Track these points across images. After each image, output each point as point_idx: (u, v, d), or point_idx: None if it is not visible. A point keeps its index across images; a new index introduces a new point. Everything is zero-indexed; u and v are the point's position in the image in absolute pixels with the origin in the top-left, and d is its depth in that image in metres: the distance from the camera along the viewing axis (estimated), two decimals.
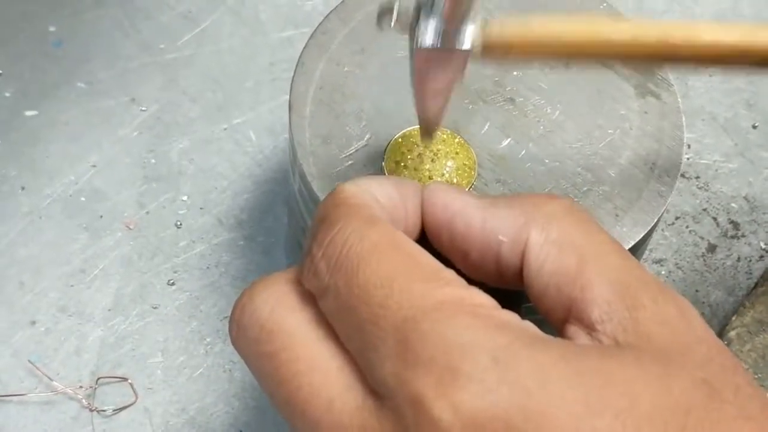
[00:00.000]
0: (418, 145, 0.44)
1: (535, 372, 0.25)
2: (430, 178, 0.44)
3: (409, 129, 0.45)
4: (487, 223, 0.30)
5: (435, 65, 0.36)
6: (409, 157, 0.44)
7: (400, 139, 0.45)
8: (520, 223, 0.30)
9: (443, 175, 0.44)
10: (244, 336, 0.29)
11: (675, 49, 0.36)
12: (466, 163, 0.44)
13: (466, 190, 0.38)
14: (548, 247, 0.29)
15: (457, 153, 0.45)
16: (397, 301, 0.26)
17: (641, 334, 0.27)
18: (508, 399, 0.24)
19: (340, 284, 0.28)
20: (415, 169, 0.44)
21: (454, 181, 0.44)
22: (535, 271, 0.29)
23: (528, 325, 0.27)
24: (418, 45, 0.35)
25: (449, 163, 0.44)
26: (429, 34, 0.35)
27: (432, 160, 0.44)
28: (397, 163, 0.44)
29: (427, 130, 0.41)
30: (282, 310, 0.29)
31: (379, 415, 0.26)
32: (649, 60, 0.38)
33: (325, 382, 0.27)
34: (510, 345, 0.25)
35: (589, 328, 0.28)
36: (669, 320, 0.27)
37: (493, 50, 0.36)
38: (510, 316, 0.27)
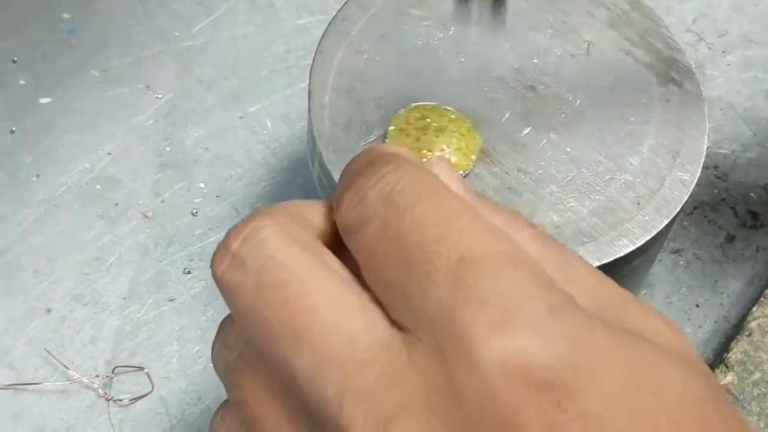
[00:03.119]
0: (425, 118, 0.44)
1: (588, 333, 0.25)
2: (429, 150, 0.43)
3: (421, 102, 0.45)
4: None
5: None
6: (414, 126, 0.44)
7: (409, 109, 0.44)
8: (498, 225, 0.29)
9: (442, 150, 0.43)
10: (240, 267, 0.27)
11: None
12: (469, 147, 0.44)
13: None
14: None
15: (462, 135, 0.44)
16: (455, 241, 0.25)
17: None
18: (562, 351, 0.24)
19: (390, 215, 0.26)
20: (417, 139, 0.43)
21: (453, 160, 0.43)
22: None
23: (571, 293, 0.27)
24: None
25: (453, 140, 0.44)
26: None
27: (436, 135, 0.44)
28: (401, 130, 0.44)
29: None
30: (294, 243, 0.27)
31: (411, 352, 0.25)
32: None
33: (344, 318, 0.26)
34: (565, 303, 0.25)
35: None
36: (659, 332, 0.27)
37: None
38: (556, 281, 0.27)
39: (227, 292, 0.28)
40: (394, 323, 0.26)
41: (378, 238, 0.27)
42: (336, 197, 0.29)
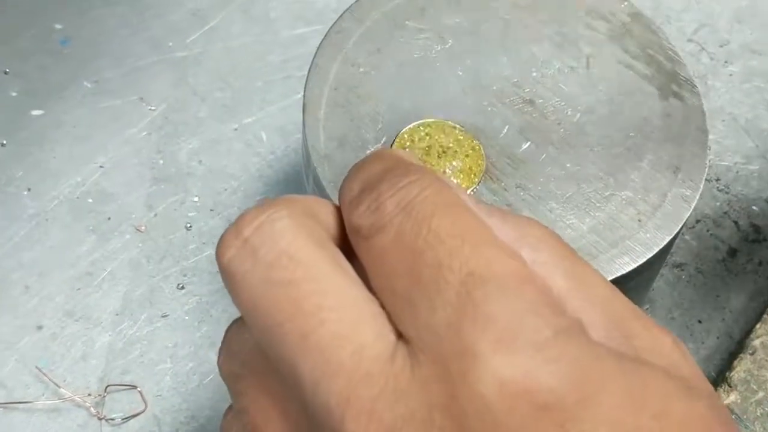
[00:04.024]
0: (430, 137, 0.43)
1: (592, 357, 0.24)
2: None
3: (426, 120, 0.44)
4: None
5: None
6: (418, 146, 0.43)
7: (412, 128, 0.44)
8: (511, 237, 0.29)
9: (444, 172, 0.43)
10: (251, 256, 0.26)
11: None
12: (473, 167, 0.43)
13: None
14: (538, 267, 0.28)
15: (467, 155, 0.43)
16: (467, 255, 0.25)
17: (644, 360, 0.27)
18: (565, 374, 0.24)
19: (407, 224, 0.26)
20: (420, 160, 0.43)
21: (455, 181, 0.43)
22: None
23: (578, 318, 0.26)
24: None
25: (455, 163, 0.43)
26: None
27: (439, 156, 0.43)
28: (404, 150, 0.43)
29: None
30: (309, 239, 0.26)
31: (414, 366, 0.24)
32: None
33: (356, 323, 0.25)
34: (571, 327, 0.25)
35: None
36: (665, 352, 0.27)
37: None
38: (563, 306, 0.26)
39: (233, 280, 0.27)
40: (399, 334, 0.25)
41: (392, 247, 0.26)
42: (348, 200, 0.28)
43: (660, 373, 0.26)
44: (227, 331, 0.30)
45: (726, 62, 0.63)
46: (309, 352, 0.25)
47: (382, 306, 0.26)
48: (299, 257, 0.26)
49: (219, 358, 0.30)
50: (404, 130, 0.44)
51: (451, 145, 0.43)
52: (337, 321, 0.25)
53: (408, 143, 0.43)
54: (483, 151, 0.44)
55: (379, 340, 0.25)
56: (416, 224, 0.26)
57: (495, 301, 0.24)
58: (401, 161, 0.29)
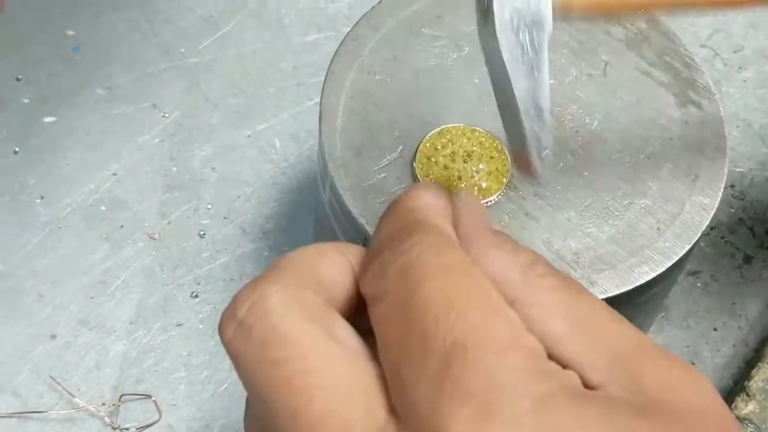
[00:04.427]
0: (452, 143, 0.43)
1: (575, 424, 0.24)
2: (459, 179, 0.42)
3: (446, 126, 0.44)
4: (487, 261, 0.29)
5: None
6: (442, 153, 0.43)
7: (435, 135, 0.43)
8: (514, 275, 0.28)
9: (472, 177, 0.42)
10: (246, 336, 0.26)
11: None
12: (499, 168, 0.43)
13: (488, 213, 0.36)
14: (537, 309, 0.27)
15: (491, 157, 0.43)
16: (452, 323, 0.25)
17: (651, 399, 0.26)
18: None
19: (401, 292, 0.26)
20: (446, 167, 0.43)
21: (484, 185, 0.42)
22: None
23: (571, 376, 0.26)
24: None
25: (481, 166, 0.43)
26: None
27: (464, 161, 0.43)
28: (429, 158, 0.43)
29: (526, 148, 0.36)
30: (300, 315, 0.27)
31: None
32: None
33: (344, 401, 0.25)
34: (553, 394, 0.24)
35: (595, 390, 0.27)
36: (675, 386, 0.26)
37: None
38: (555, 367, 0.26)
39: (233, 359, 0.27)
40: (392, 408, 0.25)
41: (389, 317, 0.26)
42: (365, 260, 0.28)
43: (660, 424, 0.25)
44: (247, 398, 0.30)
45: (740, 68, 0.63)
46: (300, 430, 0.25)
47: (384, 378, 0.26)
48: (289, 335, 0.26)
49: (245, 421, 0.30)
50: (426, 137, 0.43)
51: (475, 148, 0.43)
52: (324, 398, 0.25)
53: (432, 151, 0.43)
54: (506, 152, 0.43)
55: (368, 416, 0.25)
56: (408, 292, 0.26)
57: (474, 373, 0.24)
58: (408, 220, 0.29)
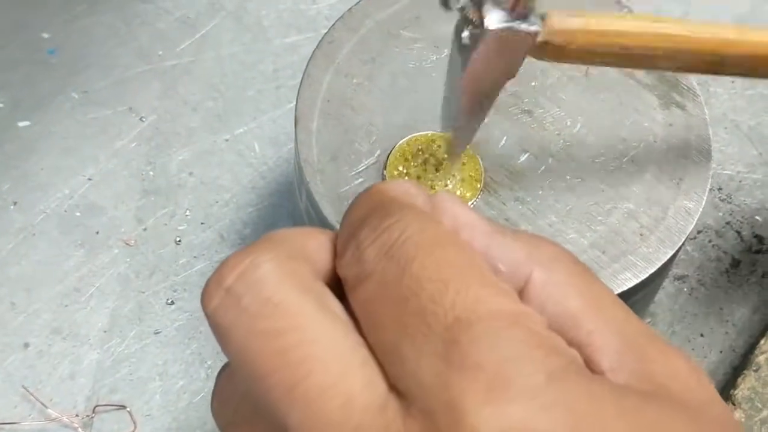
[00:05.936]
0: (423, 152, 0.42)
1: (589, 399, 0.23)
2: (433, 188, 0.41)
3: (414, 135, 0.43)
4: (489, 247, 0.28)
5: (496, 52, 0.35)
6: (413, 164, 0.42)
7: (404, 145, 0.42)
8: (522, 257, 0.28)
9: (446, 185, 0.42)
10: (235, 306, 0.25)
11: (729, 45, 0.37)
12: (473, 174, 0.42)
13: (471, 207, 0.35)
14: (551, 288, 0.27)
15: (463, 164, 0.42)
16: (452, 300, 0.24)
17: (657, 386, 0.26)
18: (562, 420, 0.22)
19: (389, 272, 0.25)
20: (418, 178, 0.42)
21: (458, 193, 0.41)
22: (535, 308, 0.27)
23: (575, 353, 0.25)
24: (486, 26, 0.34)
25: (454, 172, 0.42)
26: (498, 16, 0.34)
27: (436, 170, 0.42)
28: (400, 172, 0.42)
29: (458, 143, 0.38)
30: (294, 284, 0.25)
31: (405, 418, 0.23)
32: (702, 57, 0.38)
33: (344, 373, 0.24)
34: (565, 368, 0.24)
35: (599, 374, 0.26)
36: (680, 375, 0.26)
37: (552, 43, 0.35)
38: (561, 341, 0.25)
39: (218, 330, 0.26)
40: (391, 384, 0.24)
41: (376, 297, 0.25)
42: (338, 248, 0.27)
43: (666, 409, 0.25)
44: (218, 378, 0.29)
45: None
46: (296, 405, 0.24)
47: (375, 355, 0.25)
48: (284, 305, 0.25)
49: (212, 405, 0.29)
50: (395, 147, 0.42)
51: (446, 156, 0.42)
52: (323, 371, 0.24)
53: (402, 162, 0.42)
54: (478, 156, 0.42)
55: (369, 390, 0.24)
56: (397, 270, 0.25)
57: (483, 346, 0.23)
58: (386, 201, 0.27)
